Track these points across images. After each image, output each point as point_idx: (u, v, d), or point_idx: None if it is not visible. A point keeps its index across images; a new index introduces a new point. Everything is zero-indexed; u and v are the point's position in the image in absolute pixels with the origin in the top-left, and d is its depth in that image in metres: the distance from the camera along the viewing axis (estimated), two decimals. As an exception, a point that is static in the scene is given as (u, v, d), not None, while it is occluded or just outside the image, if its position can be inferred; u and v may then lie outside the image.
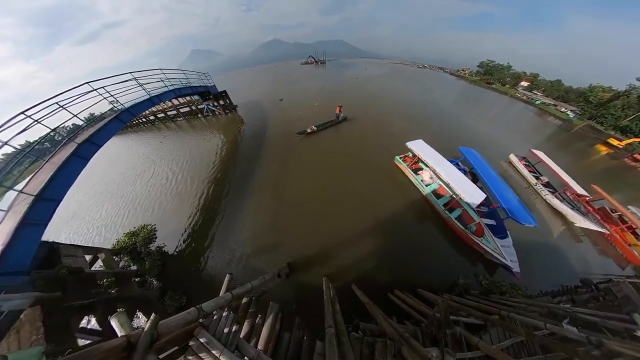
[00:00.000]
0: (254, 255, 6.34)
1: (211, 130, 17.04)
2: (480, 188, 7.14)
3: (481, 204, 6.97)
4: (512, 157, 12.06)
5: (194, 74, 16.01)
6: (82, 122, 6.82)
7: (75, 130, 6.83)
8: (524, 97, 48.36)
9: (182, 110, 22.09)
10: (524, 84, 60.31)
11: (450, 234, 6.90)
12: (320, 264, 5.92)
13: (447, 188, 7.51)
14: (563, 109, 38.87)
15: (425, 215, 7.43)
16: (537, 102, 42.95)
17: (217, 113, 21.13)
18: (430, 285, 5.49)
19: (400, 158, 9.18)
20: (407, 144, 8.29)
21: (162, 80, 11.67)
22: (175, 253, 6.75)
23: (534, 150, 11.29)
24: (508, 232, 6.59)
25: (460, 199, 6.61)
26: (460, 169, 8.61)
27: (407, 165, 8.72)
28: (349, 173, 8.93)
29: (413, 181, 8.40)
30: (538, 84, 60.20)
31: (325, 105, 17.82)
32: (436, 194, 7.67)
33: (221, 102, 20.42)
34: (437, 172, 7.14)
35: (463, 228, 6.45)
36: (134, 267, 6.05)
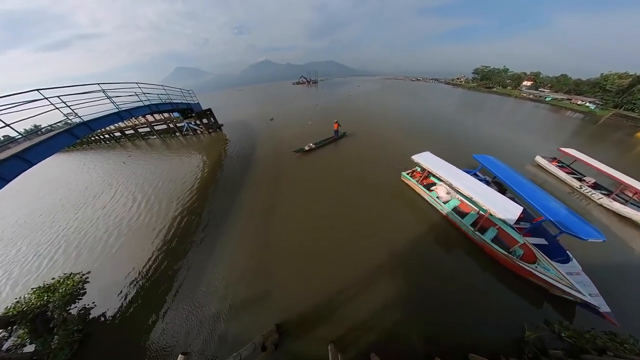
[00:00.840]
0: (227, 316, 4.98)
1: (190, 150, 16.67)
2: (512, 199, 6.64)
3: (520, 219, 6.31)
4: (540, 160, 11.61)
5: (175, 90, 16.46)
6: (19, 134, 5.92)
7: (5, 142, 5.89)
8: (531, 96, 51.67)
9: (157, 127, 22.22)
10: (527, 83, 65.07)
11: (491, 263, 5.78)
12: (323, 324, 4.68)
13: (470, 204, 7.11)
14: (580, 102, 40.69)
15: (452, 241, 6.46)
16: (547, 99, 45.58)
17: (199, 132, 21.28)
18: (484, 344, 4.22)
19: (407, 174, 8.85)
20: (413, 157, 8.07)
21: (136, 95, 11.58)
22: (108, 317, 5.16)
23: (564, 149, 10.74)
24: (569, 253, 5.45)
25: (491, 215, 5.86)
26: (480, 180, 8.16)
27: (417, 182, 8.35)
28: (352, 196, 8.39)
29: (427, 199, 7.89)
30: (542, 81, 64.71)
31: (319, 124, 18.59)
32: (458, 211, 7.06)
33: (205, 120, 20.87)
34: (454, 186, 6.66)
35: (505, 253, 5.49)
36: (31, 347, 4.24)
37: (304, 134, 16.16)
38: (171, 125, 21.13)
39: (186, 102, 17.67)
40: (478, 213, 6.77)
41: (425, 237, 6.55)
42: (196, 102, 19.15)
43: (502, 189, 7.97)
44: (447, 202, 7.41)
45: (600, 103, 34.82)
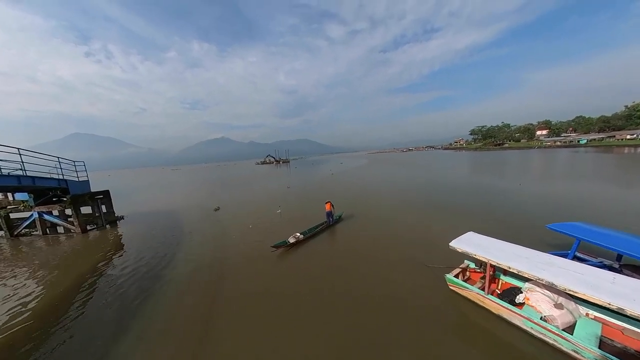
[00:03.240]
0: None
1: (15, 267, 12.42)
2: None
3: None
4: None
5: (45, 158, 15.01)
6: None
7: None
8: (558, 143, 70.00)
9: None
10: (543, 132, 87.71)
11: None
12: None
13: (629, 326, 5.86)
14: (628, 136, 55.54)
15: None
16: (582, 142, 63.62)
17: (66, 229, 17.82)
18: None
19: (454, 276, 8.13)
20: (454, 244, 7.61)
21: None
22: None
23: None
24: None
25: None
26: (596, 265, 7.62)
27: (482, 289, 7.39)
28: (374, 334, 6.81)
29: (521, 325, 6.52)
30: (561, 127, 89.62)
31: (294, 212, 19.76)
32: (615, 350, 5.51)
33: (87, 210, 18.36)
34: (571, 290, 5.56)
35: None
36: None
37: (269, 227, 16.29)
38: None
39: (56, 177, 16.09)
40: None
41: None
42: (82, 179, 18.26)
43: None
44: (571, 326, 6.13)
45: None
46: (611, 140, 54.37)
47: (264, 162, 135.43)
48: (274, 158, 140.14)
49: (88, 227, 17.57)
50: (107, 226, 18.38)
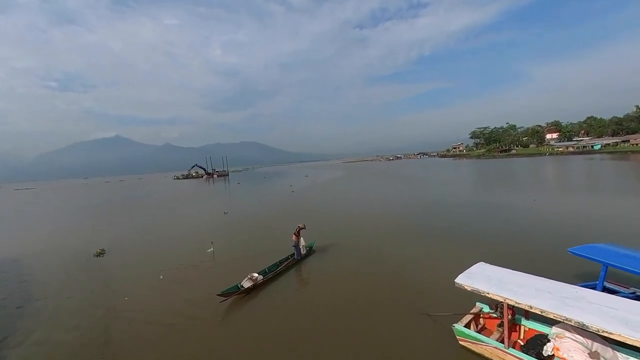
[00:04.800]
0: None
1: None
2: None
3: None
4: None
5: None
6: None
7: None
8: (570, 149, 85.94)
9: None
10: (553, 135, 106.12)
11: None
12: None
13: None
14: None
15: None
16: (597, 147, 78.63)
17: None
18: None
19: (465, 326, 8.64)
20: (461, 281, 8.25)
21: None
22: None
23: None
24: None
25: None
26: (628, 297, 8.25)
27: (502, 342, 7.78)
28: None
29: None
30: (572, 129, 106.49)
31: (233, 249, 20.22)
32: None
33: None
34: (603, 330, 5.82)
35: None
36: None
37: (196, 275, 16.19)
38: None
39: None
40: None
41: None
42: None
43: None
44: None
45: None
46: (626, 145, 65.47)
47: (187, 176, 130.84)
48: (203, 170, 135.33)
49: None
50: None
